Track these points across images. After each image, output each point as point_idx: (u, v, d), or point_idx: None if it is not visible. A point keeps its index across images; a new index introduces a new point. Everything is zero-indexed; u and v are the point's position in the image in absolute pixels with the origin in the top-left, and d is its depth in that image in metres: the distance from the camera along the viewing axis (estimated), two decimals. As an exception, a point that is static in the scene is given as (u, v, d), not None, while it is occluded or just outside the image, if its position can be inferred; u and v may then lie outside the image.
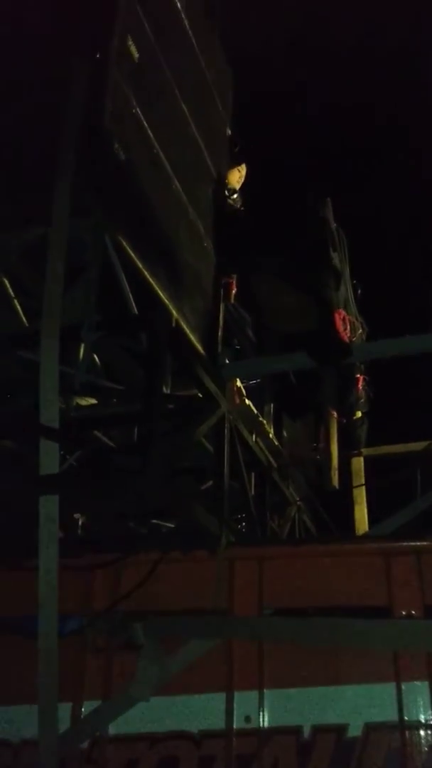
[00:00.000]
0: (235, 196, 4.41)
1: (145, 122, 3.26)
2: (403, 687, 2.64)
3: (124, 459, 3.40)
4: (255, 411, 4.16)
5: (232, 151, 4.47)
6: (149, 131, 3.30)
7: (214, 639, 2.71)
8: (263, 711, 2.64)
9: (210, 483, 3.81)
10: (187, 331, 3.55)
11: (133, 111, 3.18)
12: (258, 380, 4.47)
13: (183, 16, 3.78)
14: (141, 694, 2.62)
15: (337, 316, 3.89)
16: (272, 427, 4.52)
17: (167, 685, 2.69)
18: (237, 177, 4.46)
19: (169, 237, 3.50)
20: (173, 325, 3.39)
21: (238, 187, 4.44)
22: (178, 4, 3.72)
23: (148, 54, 3.33)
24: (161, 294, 3.30)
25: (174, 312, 3.40)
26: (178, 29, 3.76)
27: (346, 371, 4.37)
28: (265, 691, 2.65)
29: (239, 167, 4.47)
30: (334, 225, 4.17)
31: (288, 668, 2.68)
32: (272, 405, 4.59)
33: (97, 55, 3.01)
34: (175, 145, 3.60)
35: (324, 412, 4.32)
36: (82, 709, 2.73)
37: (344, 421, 4.43)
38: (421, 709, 2.63)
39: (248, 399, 4.05)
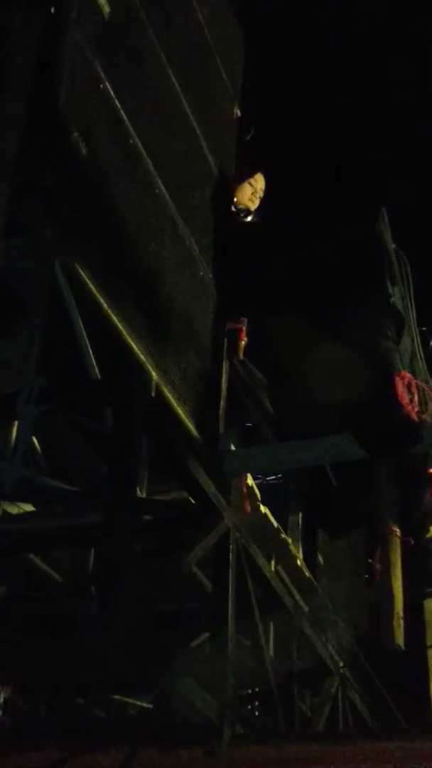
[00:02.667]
0: (249, 218, 4.58)
1: (117, 102, 3.38)
2: None
3: (74, 601, 3.48)
4: (275, 524, 4.18)
5: (242, 139, 4.68)
6: (123, 114, 3.42)
7: None
8: None
9: (205, 636, 3.79)
10: (174, 402, 3.62)
11: (101, 86, 3.30)
12: (279, 476, 4.56)
13: None
14: None
15: (398, 380, 3.96)
16: (301, 549, 4.55)
17: None
18: (249, 193, 4.60)
19: (148, 264, 3.59)
20: (152, 393, 3.45)
21: (253, 206, 4.59)
22: None
23: (124, 6, 3.49)
24: (135, 347, 3.37)
25: (154, 374, 3.47)
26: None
27: (413, 464, 4.37)
28: None
29: (253, 179, 4.61)
30: (392, 246, 4.30)
31: None
32: (300, 515, 4.64)
33: (51, 8, 3.16)
34: (161, 133, 3.72)
35: (380, 528, 4.30)
36: None
37: (412, 541, 4.42)
38: None
39: (264, 505, 4.08)
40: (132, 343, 3.35)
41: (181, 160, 3.97)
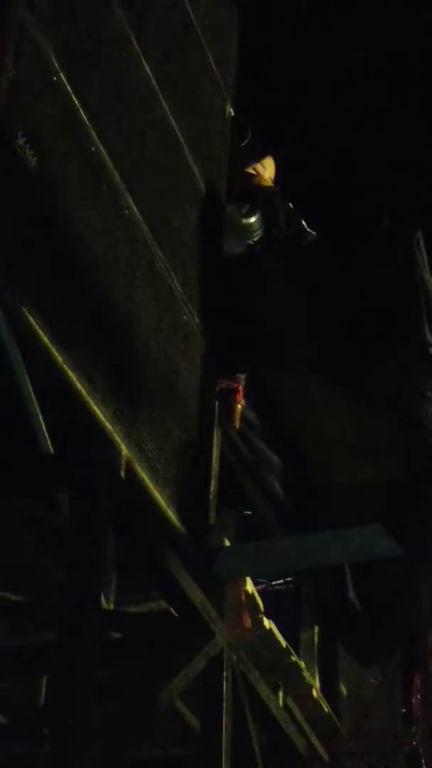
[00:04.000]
0: (252, 219, 4.58)
1: (75, 99, 3.42)
2: None
3: (20, 745, 3.46)
4: (283, 643, 4.15)
5: (237, 143, 4.70)
6: (83, 115, 3.45)
7: None
8: None
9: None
10: (150, 483, 3.59)
11: (54, 79, 3.33)
12: (289, 580, 4.54)
13: None
14: None
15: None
16: (317, 675, 4.50)
17: None
18: (253, 182, 4.64)
19: (115, 306, 3.58)
20: (122, 473, 3.42)
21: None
22: None
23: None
24: (99, 413, 3.35)
25: (123, 448, 3.45)
26: None
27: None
28: None
29: (259, 164, 4.66)
30: (431, 280, 4.31)
31: None
32: (316, 630, 4.59)
33: None
34: (131, 139, 3.75)
35: (421, 649, 4.31)
36: None
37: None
38: None
39: (269, 619, 4.05)
40: (95, 408, 3.32)
41: (159, 173, 3.98)
